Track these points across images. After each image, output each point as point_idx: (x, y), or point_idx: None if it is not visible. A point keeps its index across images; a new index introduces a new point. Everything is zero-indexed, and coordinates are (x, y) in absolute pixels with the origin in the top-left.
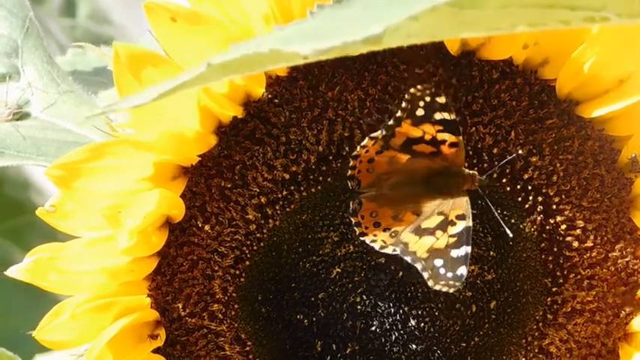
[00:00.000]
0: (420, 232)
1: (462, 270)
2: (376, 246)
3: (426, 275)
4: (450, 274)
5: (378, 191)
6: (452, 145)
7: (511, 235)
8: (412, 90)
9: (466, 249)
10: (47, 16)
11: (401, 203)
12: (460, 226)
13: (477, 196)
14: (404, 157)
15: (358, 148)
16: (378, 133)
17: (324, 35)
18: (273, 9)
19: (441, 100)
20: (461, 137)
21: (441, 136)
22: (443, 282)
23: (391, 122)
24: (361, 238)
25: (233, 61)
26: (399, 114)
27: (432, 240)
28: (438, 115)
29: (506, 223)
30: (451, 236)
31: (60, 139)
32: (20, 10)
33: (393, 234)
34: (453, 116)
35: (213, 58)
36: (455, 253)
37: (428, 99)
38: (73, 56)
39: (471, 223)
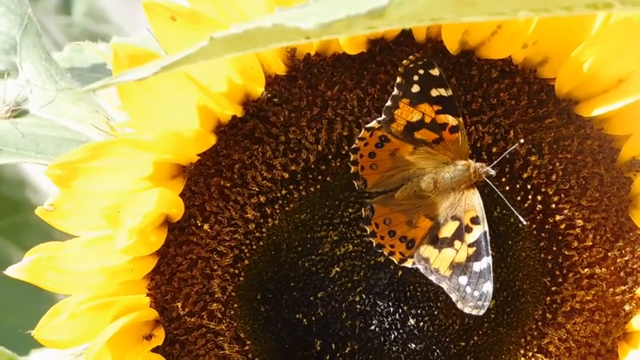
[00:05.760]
0: (437, 243)
1: (488, 287)
2: (395, 259)
3: (454, 297)
4: (476, 293)
5: (386, 189)
6: (453, 129)
7: (525, 223)
8: (404, 62)
9: (487, 260)
10: (44, 14)
11: (412, 206)
12: (477, 232)
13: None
14: (406, 151)
15: (357, 140)
16: (373, 123)
17: (327, 12)
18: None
19: (435, 72)
20: (461, 119)
21: (440, 118)
22: (472, 304)
23: (389, 103)
24: (379, 251)
25: (236, 36)
26: (395, 92)
27: (452, 253)
28: (434, 92)
29: (505, 222)
30: (470, 246)
31: (58, 136)
32: (19, 7)
33: (409, 244)
34: (449, 92)
35: (216, 32)
36: (477, 266)
37: (421, 71)
38: (70, 53)
39: (486, 227)
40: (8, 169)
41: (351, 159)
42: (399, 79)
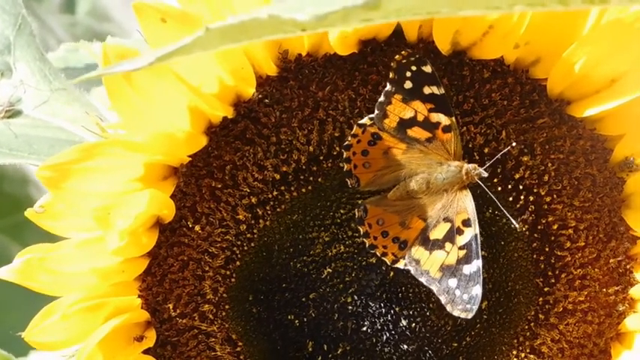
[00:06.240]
0: (429, 245)
1: (477, 290)
2: (388, 260)
3: (443, 300)
4: (466, 296)
5: (379, 188)
6: (446, 129)
7: (517, 226)
8: (397, 57)
9: (477, 263)
10: (47, 13)
11: (405, 206)
12: (468, 234)
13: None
14: (399, 150)
15: (349, 137)
16: (366, 120)
17: (323, 3)
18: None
19: (427, 69)
20: (454, 118)
21: (433, 117)
22: (460, 307)
23: (382, 98)
24: (371, 252)
25: (231, 26)
26: (387, 87)
27: (442, 255)
28: (426, 90)
29: (497, 223)
30: (460, 248)
31: (52, 136)
32: (13, 7)
33: (402, 245)
34: (441, 90)
35: (212, 24)
36: (467, 269)
37: (414, 68)
38: (65, 53)
39: (477, 230)
40: (10, 167)
41: (344, 156)
42: (391, 75)
